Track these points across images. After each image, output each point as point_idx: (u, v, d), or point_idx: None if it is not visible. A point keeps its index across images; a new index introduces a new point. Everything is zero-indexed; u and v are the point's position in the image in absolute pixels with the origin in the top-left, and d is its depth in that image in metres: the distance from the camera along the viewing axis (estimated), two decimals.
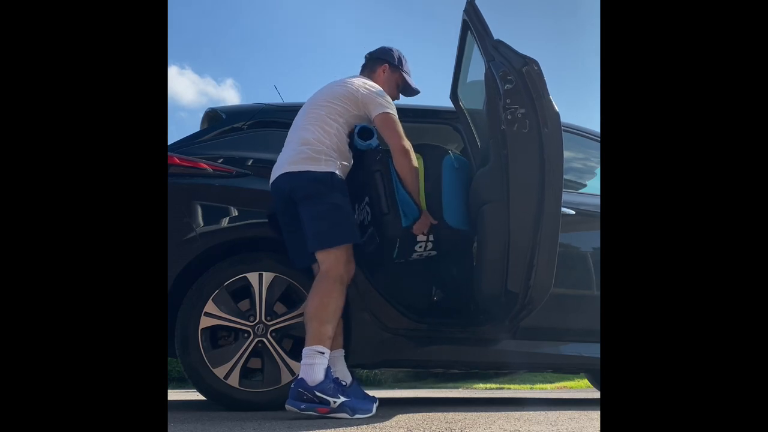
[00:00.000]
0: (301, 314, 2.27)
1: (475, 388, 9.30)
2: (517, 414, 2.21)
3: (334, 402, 1.94)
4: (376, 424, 1.81)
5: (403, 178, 2.24)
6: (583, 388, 8.17)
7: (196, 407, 2.66)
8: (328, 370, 1.99)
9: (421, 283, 2.82)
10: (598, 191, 2.76)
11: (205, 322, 2.26)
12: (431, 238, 2.30)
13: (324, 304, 2.05)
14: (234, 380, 2.24)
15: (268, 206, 2.33)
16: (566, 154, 2.11)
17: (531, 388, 8.94)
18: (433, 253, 2.38)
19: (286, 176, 2.17)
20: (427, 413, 2.19)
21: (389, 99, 2.32)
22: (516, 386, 9.73)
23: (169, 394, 4.88)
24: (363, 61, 2.56)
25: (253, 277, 2.31)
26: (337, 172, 2.17)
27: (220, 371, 2.24)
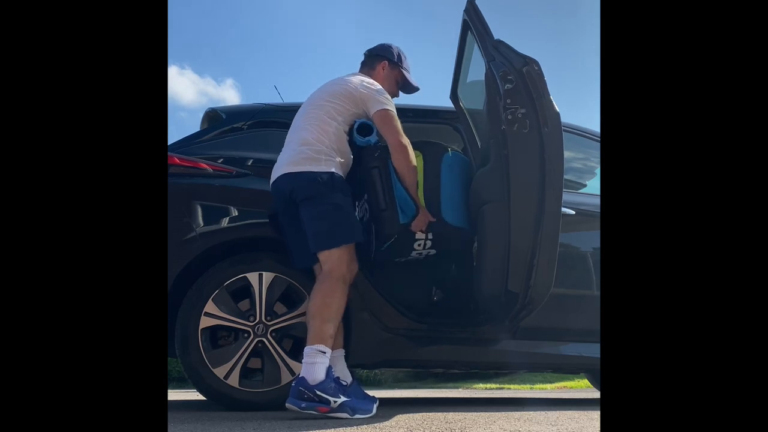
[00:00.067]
0: (301, 314, 2.28)
1: (475, 388, 9.29)
2: (517, 414, 2.21)
3: (335, 401, 1.94)
4: (376, 424, 1.81)
5: (401, 174, 2.24)
6: (583, 388, 8.17)
7: (196, 407, 2.66)
8: (329, 369, 1.99)
9: (421, 283, 2.81)
10: (598, 191, 2.76)
11: (205, 322, 2.26)
12: (430, 236, 2.30)
13: (327, 303, 2.06)
14: (234, 380, 2.24)
15: (268, 206, 2.33)
16: (566, 154, 2.11)
17: (531, 388, 8.93)
18: (433, 251, 2.37)
19: (287, 177, 2.16)
20: (427, 413, 2.19)
21: (388, 96, 2.31)
22: (516, 386, 9.72)
23: (169, 394, 4.88)
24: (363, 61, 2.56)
25: (253, 277, 2.31)
26: (337, 171, 2.17)
27: (220, 371, 2.24)
